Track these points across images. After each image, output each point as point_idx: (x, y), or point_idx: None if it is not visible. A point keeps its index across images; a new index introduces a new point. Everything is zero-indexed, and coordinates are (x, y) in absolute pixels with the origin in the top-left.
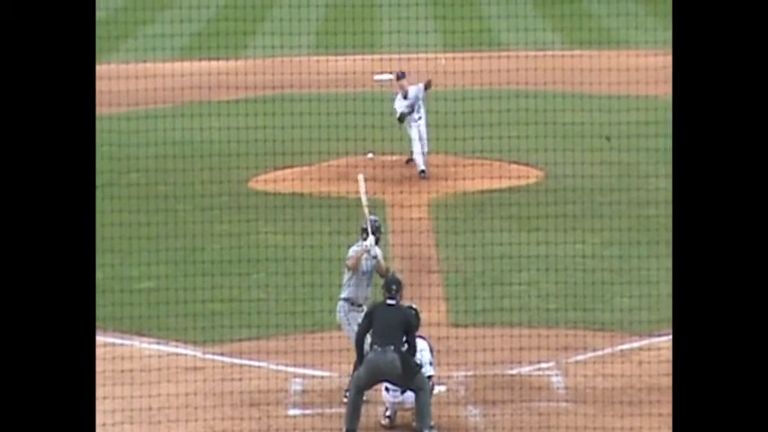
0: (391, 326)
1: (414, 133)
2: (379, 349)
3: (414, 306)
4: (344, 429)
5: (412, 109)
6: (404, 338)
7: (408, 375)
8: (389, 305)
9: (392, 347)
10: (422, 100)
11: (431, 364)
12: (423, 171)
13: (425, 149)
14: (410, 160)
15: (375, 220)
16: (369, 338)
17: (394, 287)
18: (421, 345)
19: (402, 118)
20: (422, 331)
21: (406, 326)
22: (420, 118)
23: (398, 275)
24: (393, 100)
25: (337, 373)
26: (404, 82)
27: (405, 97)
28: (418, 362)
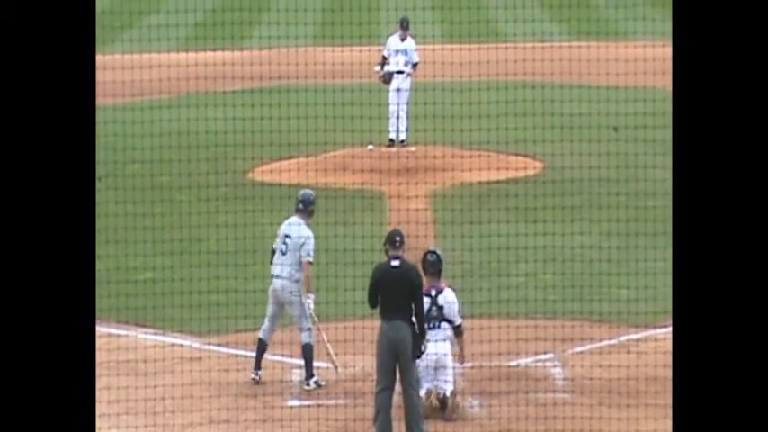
0: (399, 295)
1: (392, 98)
2: (391, 323)
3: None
4: None
5: (399, 67)
6: (411, 305)
7: (413, 353)
8: (394, 267)
9: (404, 322)
10: (410, 63)
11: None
12: (392, 141)
13: (403, 126)
14: (402, 142)
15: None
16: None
17: (398, 239)
18: (450, 297)
19: (385, 63)
20: None
21: (413, 291)
22: (407, 90)
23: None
24: (389, 36)
25: (337, 364)
26: (406, 32)
27: (402, 40)
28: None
